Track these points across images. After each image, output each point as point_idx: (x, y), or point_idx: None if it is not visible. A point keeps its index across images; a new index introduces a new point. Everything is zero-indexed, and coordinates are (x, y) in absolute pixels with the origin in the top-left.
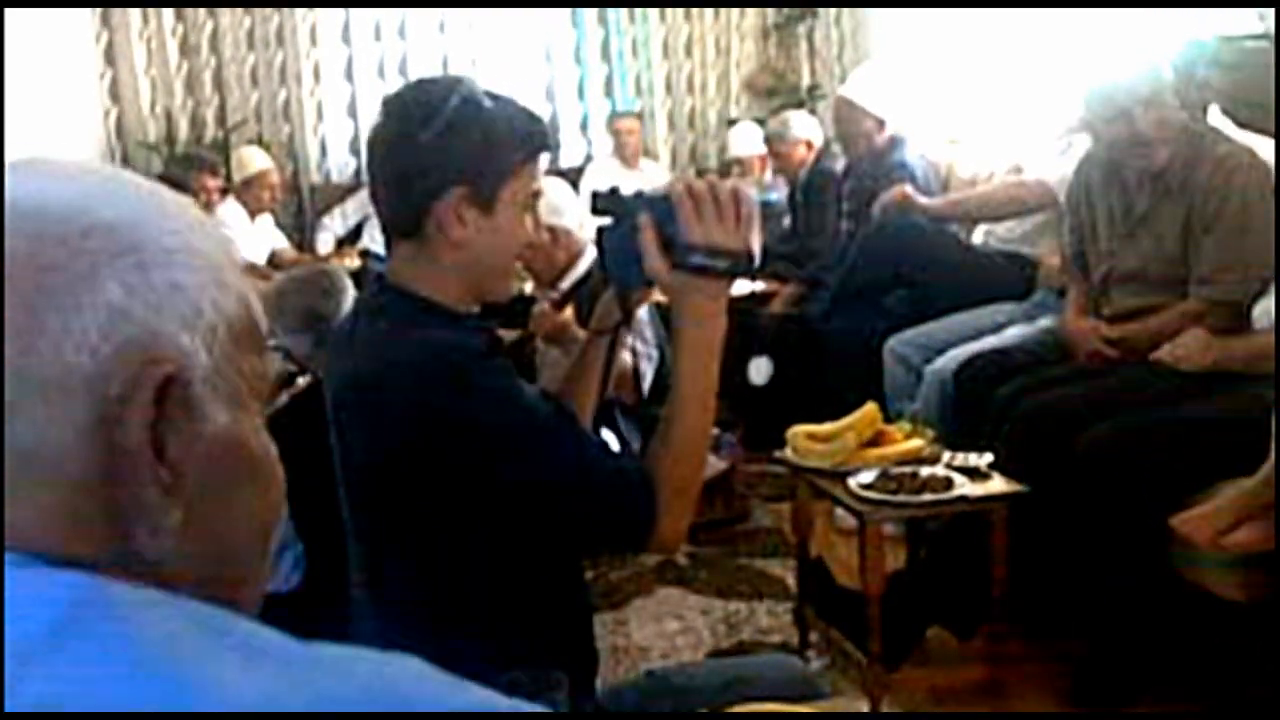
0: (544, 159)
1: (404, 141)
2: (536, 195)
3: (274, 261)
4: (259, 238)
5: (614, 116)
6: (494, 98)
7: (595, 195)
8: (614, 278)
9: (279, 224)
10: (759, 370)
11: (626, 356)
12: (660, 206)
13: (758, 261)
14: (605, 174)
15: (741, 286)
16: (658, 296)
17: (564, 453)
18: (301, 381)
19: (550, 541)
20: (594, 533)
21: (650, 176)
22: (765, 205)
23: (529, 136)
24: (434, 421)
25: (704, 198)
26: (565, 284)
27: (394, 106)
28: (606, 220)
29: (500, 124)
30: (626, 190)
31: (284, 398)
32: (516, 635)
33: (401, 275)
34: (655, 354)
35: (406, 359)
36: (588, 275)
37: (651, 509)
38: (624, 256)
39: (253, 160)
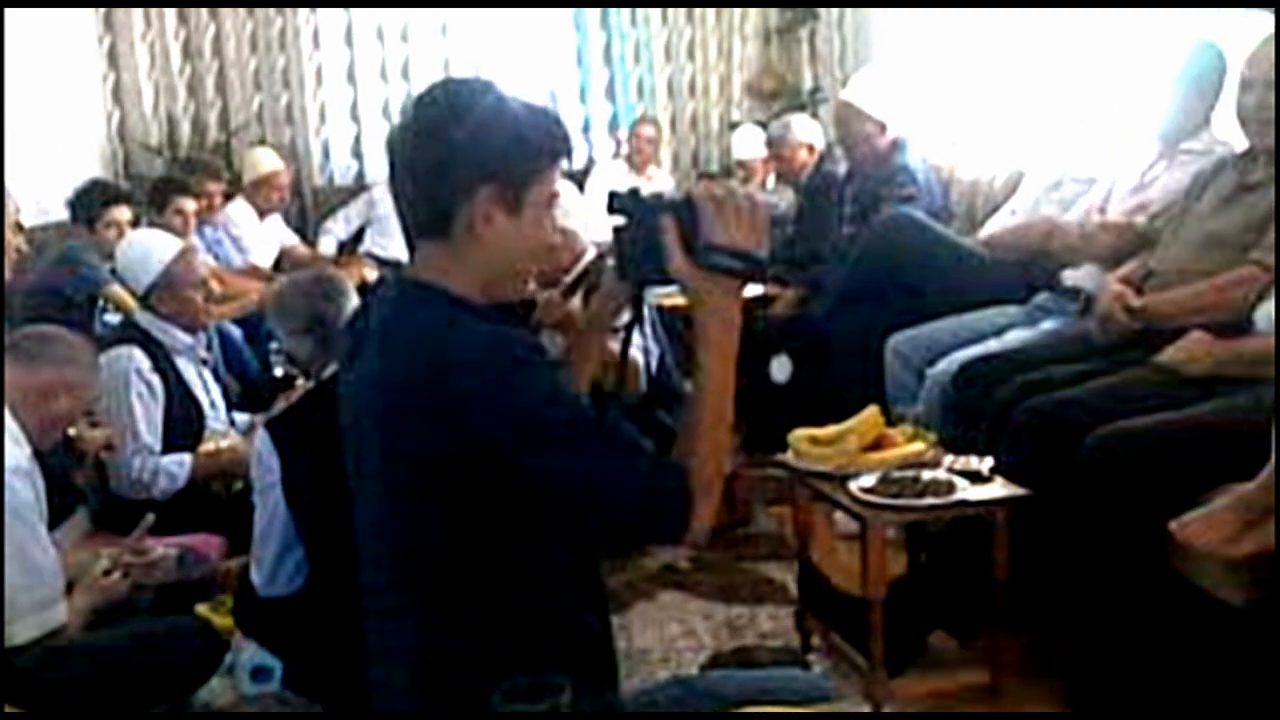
0: (564, 164)
1: (435, 138)
2: (554, 198)
3: (283, 260)
4: (268, 238)
5: (635, 122)
6: (521, 103)
7: (614, 195)
8: (632, 275)
9: (286, 223)
10: (781, 368)
11: (634, 353)
12: (683, 208)
13: (766, 265)
14: (614, 178)
15: (748, 289)
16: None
17: (613, 447)
18: (300, 385)
19: (586, 539)
20: (636, 525)
21: (658, 181)
22: (774, 216)
23: (555, 141)
24: (492, 410)
25: (726, 202)
26: (569, 278)
27: (424, 104)
28: (622, 220)
29: (529, 126)
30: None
31: (281, 402)
32: (540, 635)
33: (430, 273)
34: (655, 349)
35: (463, 353)
36: (586, 271)
37: (689, 504)
38: (644, 255)
39: (263, 161)
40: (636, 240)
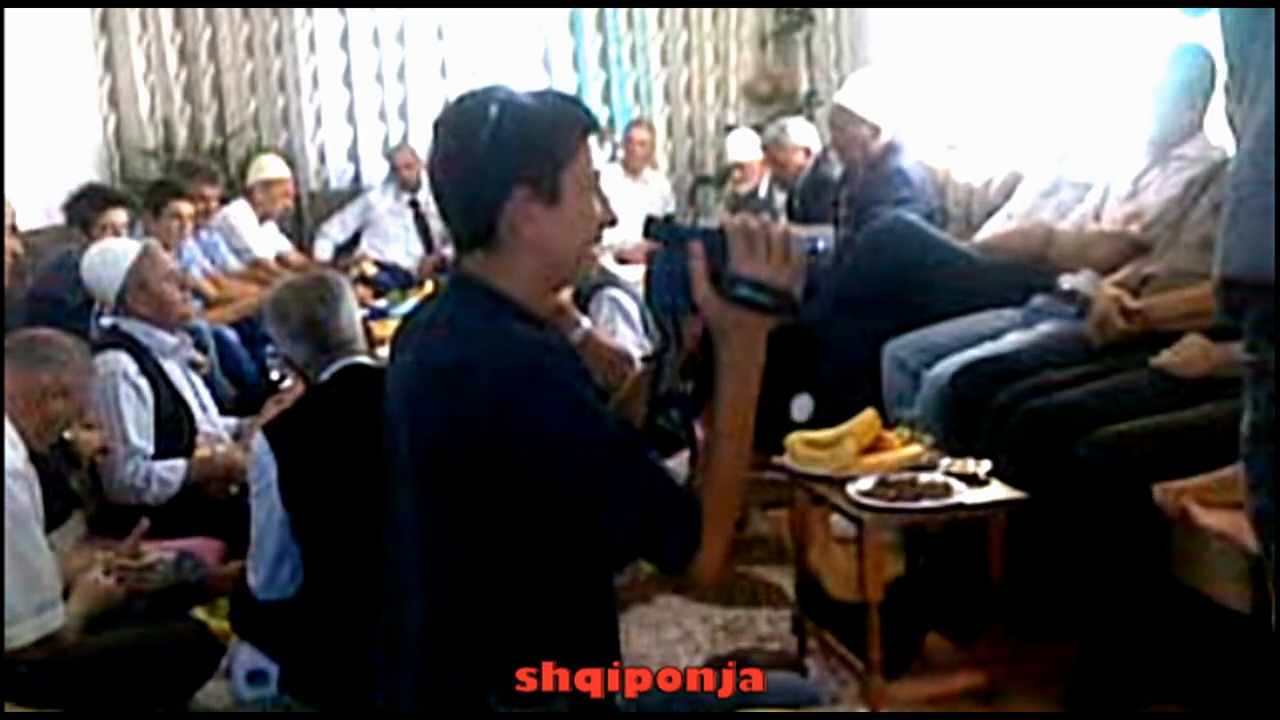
0: (594, 139)
1: (458, 157)
2: (596, 176)
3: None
4: (266, 241)
5: (629, 126)
6: (533, 94)
7: (650, 220)
8: (660, 300)
9: (281, 230)
10: (801, 409)
11: (627, 345)
12: (713, 238)
13: (798, 304)
14: (610, 182)
15: None
16: None
17: (624, 466)
18: (297, 389)
19: (590, 548)
20: (635, 549)
21: (653, 184)
22: (813, 253)
23: (574, 120)
24: (509, 412)
25: (757, 235)
26: None
27: (443, 128)
28: (656, 245)
29: (544, 116)
30: (628, 197)
31: (271, 406)
32: (545, 634)
33: (478, 271)
34: (646, 344)
35: (490, 350)
36: None
37: (696, 536)
38: (672, 281)
39: (270, 166)
40: (667, 267)
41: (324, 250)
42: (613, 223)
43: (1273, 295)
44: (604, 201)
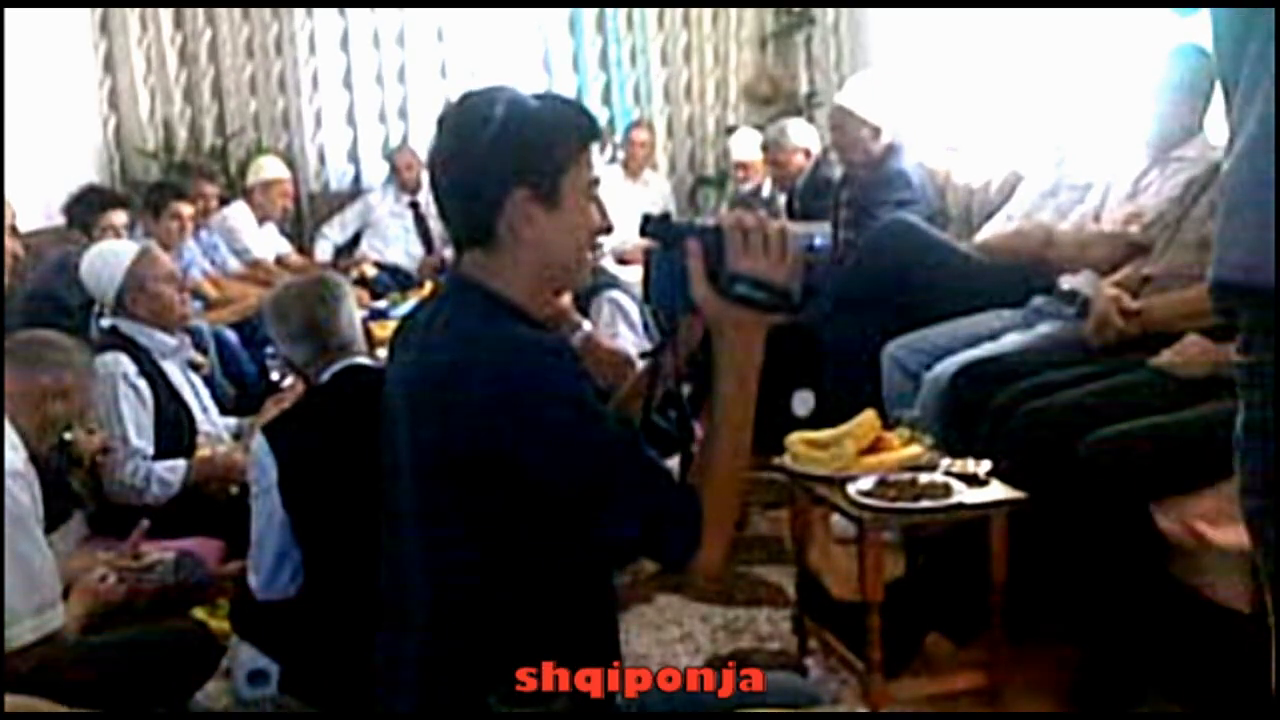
0: (596, 147)
1: (460, 154)
2: (596, 183)
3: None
4: (265, 242)
5: (629, 127)
6: (538, 97)
7: (646, 219)
8: (658, 299)
9: (281, 231)
10: (803, 403)
11: (627, 347)
12: (710, 236)
13: (796, 301)
14: (610, 183)
15: None
16: None
17: (624, 466)
18: (297, 389)
19: (590, 548)
20: (636, 548)
21: (653, 185)
22: (810, 249)
23: (578, 126)
24: (509, 413)
25: (754, 232)
26: None
27: (446, 124)
28: (653, 243)
29: (548, 119)
30: (628, 199)
31: (271, 406)
32: (545, 634)
33: (475, 272)
34: (646, 345)
35: (489, 351)
36: None
37: (697, 535)
38: (670, 280)
39: (270, 167)
40: (664, 265)
41: (324, 251)
42: (608, 230)
43: (1265, 297)
44: (601, 209)
